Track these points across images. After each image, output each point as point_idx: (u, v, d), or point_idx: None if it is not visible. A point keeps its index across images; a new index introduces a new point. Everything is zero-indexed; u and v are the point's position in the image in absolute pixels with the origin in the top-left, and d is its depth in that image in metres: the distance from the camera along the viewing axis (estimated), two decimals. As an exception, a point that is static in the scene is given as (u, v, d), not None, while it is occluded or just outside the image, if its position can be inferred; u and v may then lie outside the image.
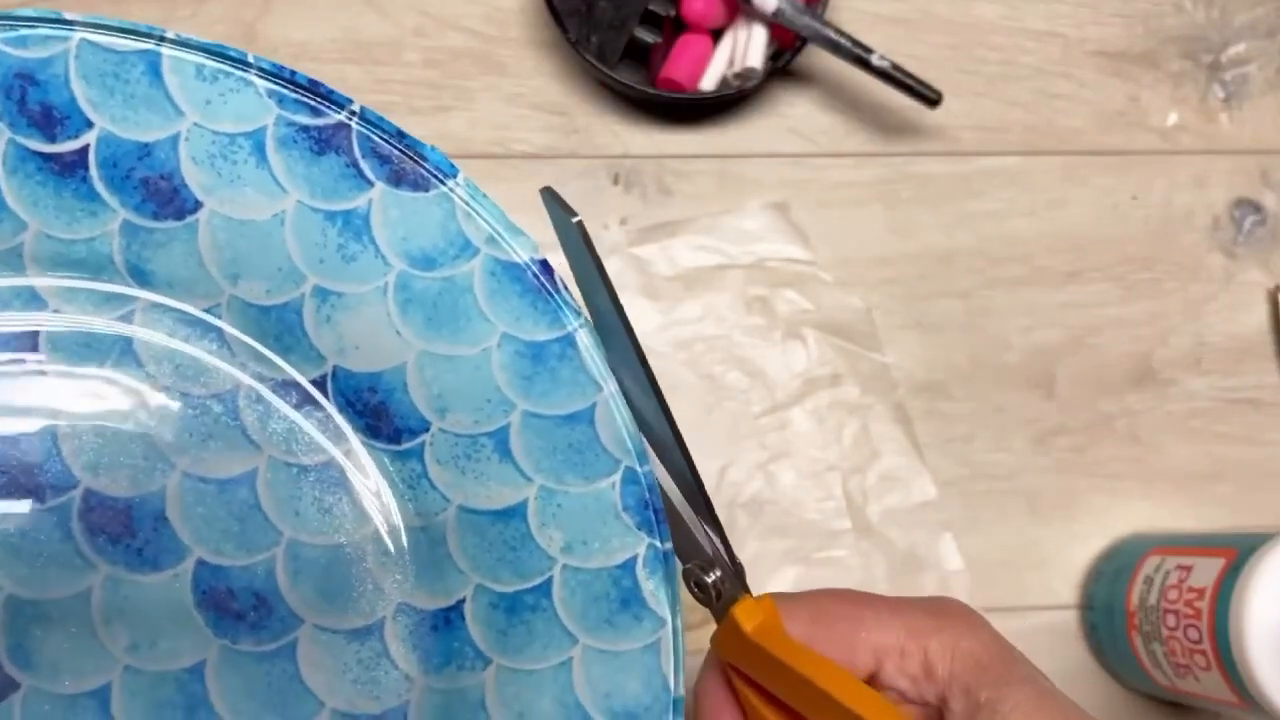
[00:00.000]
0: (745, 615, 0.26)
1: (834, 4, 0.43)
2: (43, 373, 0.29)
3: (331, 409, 0.30)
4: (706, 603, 0.27)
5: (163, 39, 0.28)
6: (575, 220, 0.26)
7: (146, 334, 0.30)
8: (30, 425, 0.29)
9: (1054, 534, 0.42)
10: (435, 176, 0.29)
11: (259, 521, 0.30)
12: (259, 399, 0.30)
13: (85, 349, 0.29)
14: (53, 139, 0.28)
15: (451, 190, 0.29)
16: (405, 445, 0.30)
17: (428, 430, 0.30)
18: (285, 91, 0.28)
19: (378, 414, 0.30)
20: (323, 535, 0.30)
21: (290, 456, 0.30)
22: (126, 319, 0.30)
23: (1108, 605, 0.40)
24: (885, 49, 0.41)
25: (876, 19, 0.44)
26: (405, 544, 0.30)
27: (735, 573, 0.27)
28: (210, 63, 0.28)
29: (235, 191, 0.29)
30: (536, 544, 0.29)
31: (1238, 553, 0.35)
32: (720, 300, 0.42)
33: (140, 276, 0.29)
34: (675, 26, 0.42)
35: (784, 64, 0.41)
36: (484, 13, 0.43)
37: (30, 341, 0.29)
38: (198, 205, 0.29)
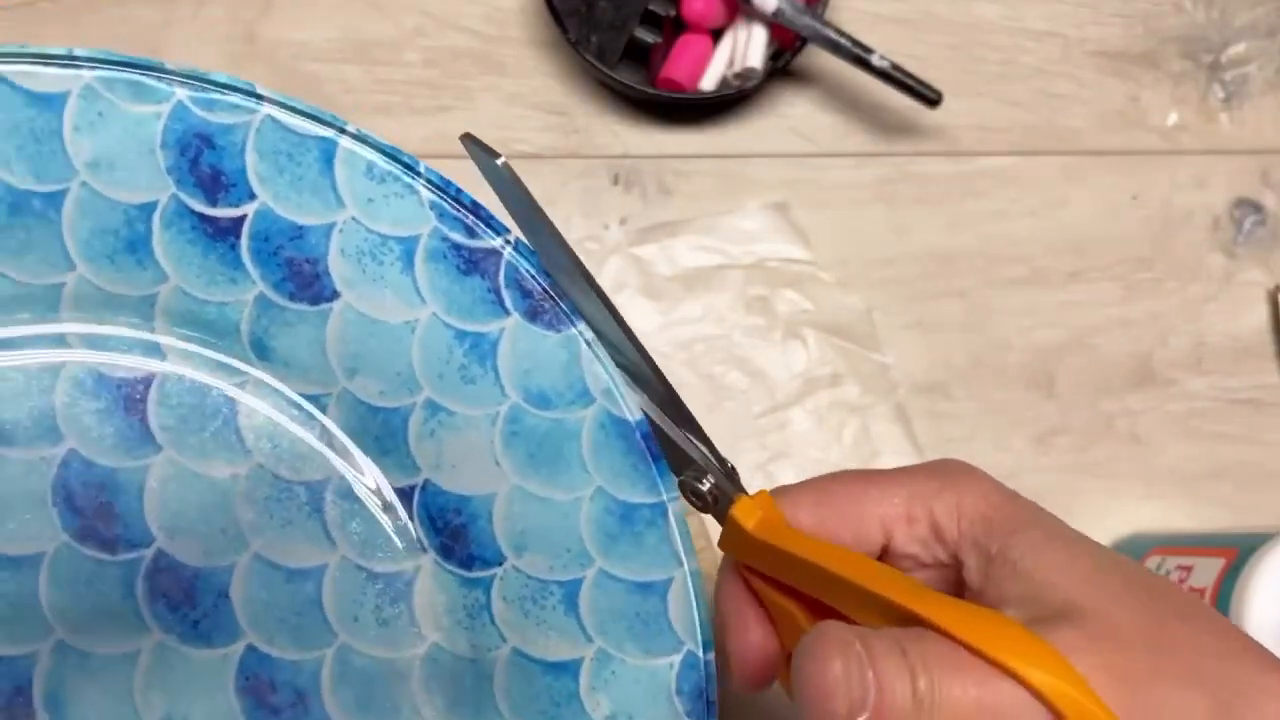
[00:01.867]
0: (744, 514, 0.26)
1: (834, 4, 0.43)
2: (146, 427, 0.29)
3: (412, 522, 0.30)
4: (705, 509, 0.27)
5: (343, 130, 0.28)
6: (500, 161, 0.27)
7: (255, 405, 0.29)
8: (120, 476, 0.29)
9: (1054, 534, 0.42)
10: (569, 319, 0.29)
11: (317, 619, 0.29)
12: (346, 495, 0.30)
13: (191, 410, 0.29)
14: (214, 203, 0.28)
15: (580, 334, 0.29)
16: (476, 574, 0.29)
17: (501, 564, 0.29)
18: (447, 206, 0.28)
19: (456, 535, 0.29)
20: (376, 646, 0.29)
21: (362, 559, 0.30)
22: (238, 388, 0.29)
23: (1108, 605, 0.40)
24: (885, 49, 0.41)
25: (876, 19, 0.44)
26: (451, 673, 0.30)
27: (727, 475, 0.27)
28: (382, 162, 0.28)
29: (375, 290, 0.29)
30: (582, 706, 0.29)
31: (1238, 553, 0.35)
32: (720, 300, 0.42)
33: (261, 351, 0.29)
34: (675, 26, 0.42)
35: (784, 64, 0.41)
36: (484, 13, 0.43)
37: (141, 392, 0.29)
38: (334, 295, 0.29)
